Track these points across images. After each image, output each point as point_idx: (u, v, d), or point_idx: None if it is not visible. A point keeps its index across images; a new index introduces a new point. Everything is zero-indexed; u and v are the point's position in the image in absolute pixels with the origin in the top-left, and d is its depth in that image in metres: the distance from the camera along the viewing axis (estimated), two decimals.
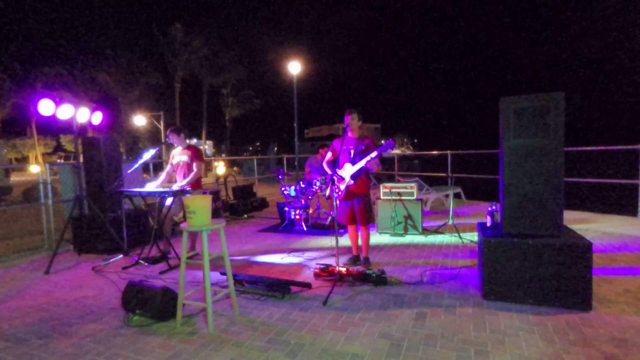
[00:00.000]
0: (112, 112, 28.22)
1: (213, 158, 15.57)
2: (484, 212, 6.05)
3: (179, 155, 4.60)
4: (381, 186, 5.61)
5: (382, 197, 5.54)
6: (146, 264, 4.24)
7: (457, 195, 8.43)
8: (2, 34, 27.02)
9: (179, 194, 4.13)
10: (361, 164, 3.70)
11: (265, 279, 3.43)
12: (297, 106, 11.27)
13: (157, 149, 4.73)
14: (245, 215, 7.41)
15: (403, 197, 5.41)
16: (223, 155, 41.84)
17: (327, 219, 6.30)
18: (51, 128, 33.67)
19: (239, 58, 33.05)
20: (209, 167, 20.81)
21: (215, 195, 7.06)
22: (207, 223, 2.73)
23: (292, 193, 6.09)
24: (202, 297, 2.89)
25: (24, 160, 35.94)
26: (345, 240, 4.74)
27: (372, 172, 3.88)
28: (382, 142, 3.69)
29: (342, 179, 3.84)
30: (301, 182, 6.02)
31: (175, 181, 4.58)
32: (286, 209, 6.19)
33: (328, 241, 5.07)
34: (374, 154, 3.62)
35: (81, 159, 5.19)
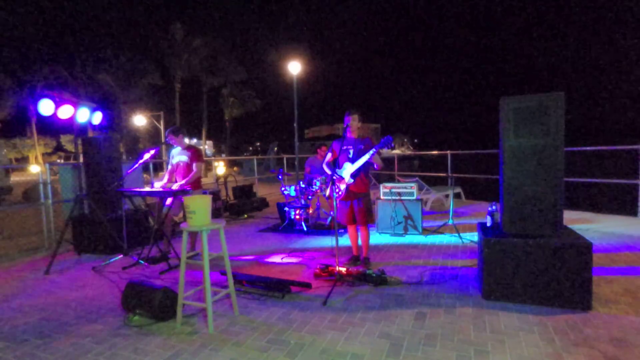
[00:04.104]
0: (112, 112, 28.22)
1: (213, 158, 15.56)
2: (484, 212, 6.05)
3: (178, 155, 4.61)
4: (381, 186, 5.61)
5: (382, 197, 5.54)
6: (146, 264, 4.24)
7: (457, 195, 8.43)
8: (2, 34, 27.03)
9: (179, 194, 4.13)
10: (360, 162, 3.70)
11: (265, 279, 3.43)
12: (297, 106, 11.26)
13: (157, 149, 4.72)
14: (245, 215, 7.41)
15: (403, 197, 5.41)
16: (223, 155, 41.83)
17: (327, 219, 6.30)
18: (51, 128, 33.73)
19: (239, 58, 33.10)
20: (209, 167, 20.81)
21: (215, 195, 7.07)
22: (207, 223, 2.73)
23: (292, 193, 6.09)
24: (202, 297, 2.89)
25: (24, 160, 35.94)
26: (345, 240, 4.74)
27: (376, 170, 3.89)
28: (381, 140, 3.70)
29: (341, 178, 3.84)
30: (301, 182, 6.02)
31: (175, 181, 4.58)
32: (286, 209, 6.18)
33: (328, 241, 5.07)
34: (372, 152, 3.63)
35: (81, 159, 5.19)
